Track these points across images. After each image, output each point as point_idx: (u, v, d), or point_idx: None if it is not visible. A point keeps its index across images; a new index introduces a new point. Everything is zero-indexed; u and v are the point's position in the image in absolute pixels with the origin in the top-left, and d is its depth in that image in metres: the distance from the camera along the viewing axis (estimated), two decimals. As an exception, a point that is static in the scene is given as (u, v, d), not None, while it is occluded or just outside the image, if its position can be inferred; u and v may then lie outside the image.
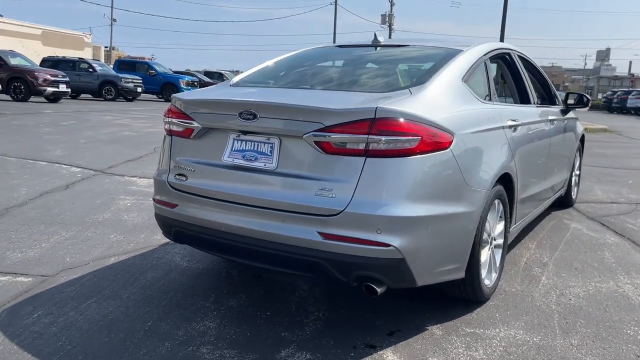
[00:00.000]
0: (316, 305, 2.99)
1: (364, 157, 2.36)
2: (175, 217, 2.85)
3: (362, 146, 2.35)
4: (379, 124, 2.34)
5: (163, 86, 26.16)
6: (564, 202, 5.38)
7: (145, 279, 3.31)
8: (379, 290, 2.45)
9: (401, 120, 2.37)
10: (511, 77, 3.94)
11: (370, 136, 2.33)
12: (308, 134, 2.43)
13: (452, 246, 2.62)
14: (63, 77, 19.04)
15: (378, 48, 3.51)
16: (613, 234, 4.63)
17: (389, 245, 2.34)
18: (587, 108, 4.94)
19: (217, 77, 33.42)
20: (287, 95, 2.86)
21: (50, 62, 23.12)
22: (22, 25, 42.76)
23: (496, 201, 3.03)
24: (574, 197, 5.56)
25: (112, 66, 27.70)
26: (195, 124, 2.78)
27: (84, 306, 2.90)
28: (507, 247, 3.46)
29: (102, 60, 46.31)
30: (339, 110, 2.41)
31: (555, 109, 4.60)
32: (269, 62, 3.58)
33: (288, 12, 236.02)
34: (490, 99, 3.21)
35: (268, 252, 2.55)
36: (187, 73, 31.26)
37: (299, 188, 2.46)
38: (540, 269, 3.67)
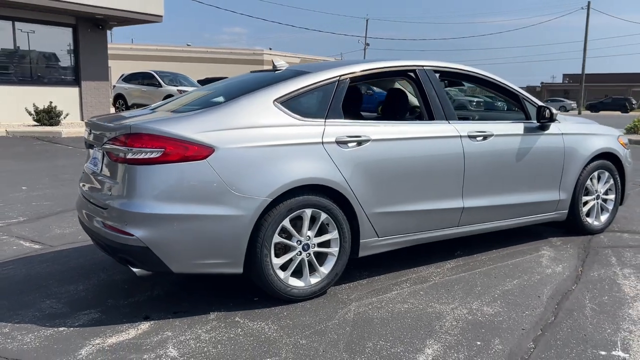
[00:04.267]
0: (168, 287, 3.67)
1: (125, 164, 3.04)
2: (77, 213, 3.87)
3: (123, 155, 3.04)
4: (131, 138, 3.01)
5: (378, 104, 27.88)
6: (572, 227, 4.76)
7: (97, 256, 4.40)
8: (136, 271, 3.08)
9: (146, 135, 2.99)
10: (419, 94, 3.94)
11: (126, 147, 3.01)
12: (103, 145, 3.21)
13: (213, 243, 3.06)
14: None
15: (276, 72, 3.98)
16: (575, 265, 4.05)
17: (132, 235, 2.97)
18: (554, 122, 4.41)
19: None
20: (115, 116, 3.66)
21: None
22: (285, 56, 49.77)
23: (308, 210, 3.28)
24: (594, 223, 4.81)
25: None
26: (85, 138, 3.78)
27: (36, 266, 4.12)
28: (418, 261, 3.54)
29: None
30: (111, 126, 3.15)
31: (516, 125, 4.30)
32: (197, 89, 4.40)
33: (537, 19, 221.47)
34: (324, 117, 3.42)
35: (95, 240, 3.40)
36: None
37: (102, 187, 3.26)
38: (409, 285, 3.63)
